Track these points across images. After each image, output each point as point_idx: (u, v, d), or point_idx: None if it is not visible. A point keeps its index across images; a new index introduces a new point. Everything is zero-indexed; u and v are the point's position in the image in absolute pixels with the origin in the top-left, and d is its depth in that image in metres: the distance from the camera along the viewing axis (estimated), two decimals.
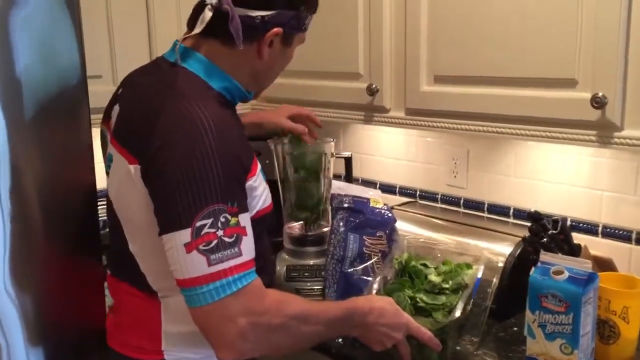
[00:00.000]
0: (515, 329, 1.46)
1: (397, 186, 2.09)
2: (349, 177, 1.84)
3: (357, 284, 1.53)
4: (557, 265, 1.22)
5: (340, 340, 1.40)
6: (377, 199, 1.61)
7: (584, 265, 1.21)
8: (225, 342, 1.04)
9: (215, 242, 1.00)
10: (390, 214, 1.60)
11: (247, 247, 1.04)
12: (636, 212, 1.54)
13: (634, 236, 1.55)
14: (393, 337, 1.21)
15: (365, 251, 1.55)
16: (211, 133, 1.02)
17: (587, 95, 1.25)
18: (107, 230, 1.29)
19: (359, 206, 1.58)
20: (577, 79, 1.28)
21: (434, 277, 1.36)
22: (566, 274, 1.20)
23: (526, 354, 1.26)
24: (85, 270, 1.34)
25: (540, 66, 1.33)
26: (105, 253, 1.34)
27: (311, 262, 1.62)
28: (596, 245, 1.59)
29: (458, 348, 1.36)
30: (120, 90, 1.24)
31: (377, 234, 1.56)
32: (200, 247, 1.00)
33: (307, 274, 1.60)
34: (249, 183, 1.10)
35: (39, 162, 1.22)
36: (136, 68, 1.26)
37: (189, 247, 1.00)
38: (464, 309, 1.30)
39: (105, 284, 1.36)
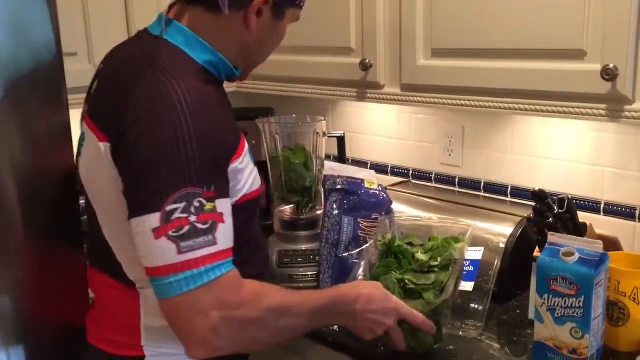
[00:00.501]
0: (518, 311, 1.43)
1: (389, 166, 2.02)
2: (341, 158, 1.77)
3: (352, 267, 1.48)
4: (566, 247, 1.17)
5: (336, 327, 1.34)
6: (372, 180, 1.54)
7: (595, 246, 1.16)
8: (195, 337, 0.97)
9: (187, 228, 0.92)
10: (385, 195, 1.53)
11: (224, 236, 0.97)
12: None
13: (637, 213, 1.51)
14: (383, 323, 1.14)
15: (361, 234, 1.49)
16: (188, 109, 0.94)
17: (597, 67, 1.19)
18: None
19: (353, 187, 1.52)
20: (586, 50, 1.21)
21: (421, 256, 1.28)
22: (577, 256, 1.15)
23: (534, 339, 1.21)
24: (66, 260, 1.27)
25: (546, 37, 1.27)
26: (85, 241, 1.27)
27: (304, 247, 1.56)
28: (599, 224, 1.53)
29: (461, 334, 1.31)
30: (101, 66, 1.16)
31: (373, 216, 1.50)
32: (170, 233, 0.92)
33: (300, 259, 1.54)
34: (233, 165, 1.03)
35: (13, 145, 1.15)
36: (119, 43, 1.17)
37: (157, 232, 0.92)
38: (455, 286, 1.24)
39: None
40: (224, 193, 0.99)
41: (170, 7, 1.09)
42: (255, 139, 1.65)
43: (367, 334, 1.16)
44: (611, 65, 1.17)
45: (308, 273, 1.53)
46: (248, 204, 1.10)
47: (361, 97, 1.65)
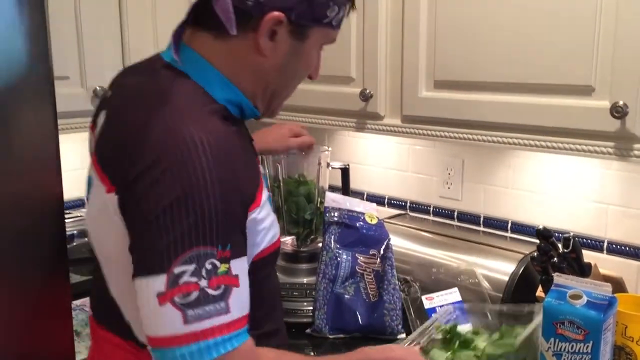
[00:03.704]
0: None
1: (387, 197, 1.99)
2: (345, 190, 1.71)
3: (348, 304, 1.44)
4: (574, 289, 1.13)
5: None
6: (372, 214, 1.50)
7: (603, 289, 1.12)
8: None
9: (195, 294, 0.82)
10: (384, 231, 1.49)
11: (238, 302, 0.86)
12: None
13: None
14: None
15: (358, 270, 1.45)
16: (205, 158, 0.83)
17: (606, 104, 1.16)
18: (74, 244, 1.15)
19: (353, 221, 1.48)
20: (594, 86, 1.19)
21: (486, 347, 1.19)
22: (585, 299, 1.11)
23: None
24: (50, 292, 1.21)
25: (552, 72, 1.24)
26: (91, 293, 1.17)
27: (305, 280, 1.52)
28: (601, 262, 1.50)
29: None
30: (109, 93, 1.05)
31: (370, 252, 1.46)
32: (176, 299, 0.81)
33: (296, 293, 1.49)
34: (252, 216, 0.92)
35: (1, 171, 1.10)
36: (129, 65, 1.09)
37: (162, 298, 0.81)
38: None
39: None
40: (241, 252, 0.89)
41: (182, 26, 0.97)
42: None
43: None
44: (621, 103, 1.14)
45: (304, 308, 1.48)
46: (269, 257, 1.01)
47: (361, 128, 1.61)
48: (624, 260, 1.51)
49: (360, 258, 1.45)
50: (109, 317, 1.01)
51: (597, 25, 1.17)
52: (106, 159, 0.94)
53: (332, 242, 1.45)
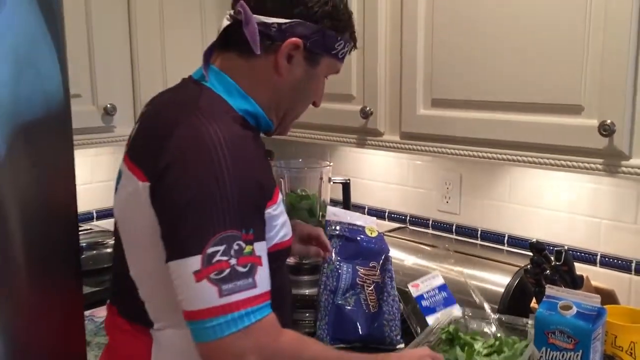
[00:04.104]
0: None
1: (387, 211, 2.03)
2: (346, 204, 1.77)
3: (349, 315, 1.48)
4: (564, 300, 1.18)
5: None
6: (373, 228, 1.55)
7: (592, 300, 1.17)
8: None
9: (227, 270, 0.93)
10: (384, 244, 1.54)
11: (262, 279, 0.97)
12: (636, 241, 1.51)
13: (633, 266, 1.52)
14: None
15: (359, 282, 1.50)
16: (228, 151, 0.95)
17: (594, 122, 1.21)
18: (83, 256, 1.21)
19: (353, 234, 1.52)
20: (583, 105, 1.24)
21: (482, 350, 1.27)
22: (574, 310, 1.16)
23: None
24: (64, 297, 1.25)
25: (544, 91, 1.29)
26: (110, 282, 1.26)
27: (307, 291, 1.56)
28: (595, 275, 1.54)
29: None
30: (145, 109, 1.18)
31: (370, 264, 1.51)
32: (212, 275, 0.92)
33: (298, 304, 1.53)
34: (268, 211, 1.03)
35: (21, 182, 1.15)
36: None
37: (198, 275, 0.92)
38: None
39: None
40: (262, 236, 1.00)
41: (211, 48, 1.10)
42: None
43: None
44: (608, 121, 1.19)
45: (306, 319, 1.52)
46: (279, 253, 1.09)
47: (361, 144, 1.67)
48: (616, 273, 1.54)
49: (361, 270, 1.50)
50: (125, 296, 1.12)
51: (585, 48, 1.22)
52: (138, 153, 1.06)
53: (334, 254, 1.50)
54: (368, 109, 1.60)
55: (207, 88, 1.08)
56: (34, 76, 1.15)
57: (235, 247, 0.93)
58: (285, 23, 1.05)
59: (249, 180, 0.97)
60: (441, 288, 1.51)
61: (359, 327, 1.47)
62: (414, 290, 1.47)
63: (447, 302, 1.48)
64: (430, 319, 1.44)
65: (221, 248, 0.92)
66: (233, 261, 0.93)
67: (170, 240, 0.97)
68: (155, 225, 0.99)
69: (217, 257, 0.92)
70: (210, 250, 0.92)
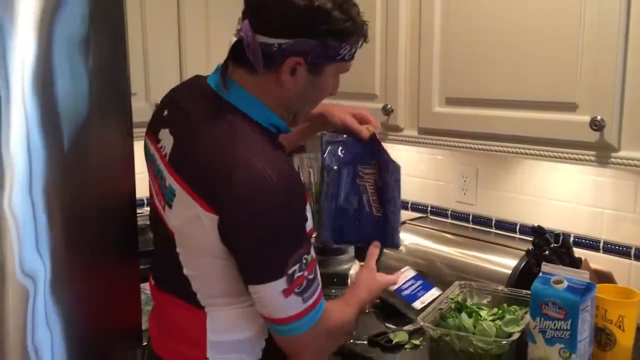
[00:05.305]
0: None
1: (410, 202, 2.17)
2: None
3: (352, 216, 1.47)
4: (557, 275, 1.31)
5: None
6: (369, 127, 1.45)
7: (582, 276, 1.29)
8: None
9: (305, 282, 1.11)
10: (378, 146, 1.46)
11: (319, 272, 1.17)
12: (635, 228, 1.63)
13: (633, 252, 1.64)
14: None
15: (359, 182, 1.46)
16: (282, 189, 1.06)
17: (587, 119, 1.35)
18: (145, 237, 1.39)
19: (349, 140, 1.44)
20: (578, 103, 1.37)
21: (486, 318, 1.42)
22: (565, 284, 1.28)
23: (528, 358, 1.34)
24: (123, 274, 1.43)
25: (544, 91, 1.43)
26: (150, 262, 1.36)
27: (337, 269, 1.72)
28: (597, 260, 1.66)
29: None
30: (166, 113, 1.24)
31: (372, 163, 1.45)
32: (296, 290, 1.10)
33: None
34: None
35: (88, 170, 1.32)
36: (175, 86, 1.31)
37: (286, 292, 1.10)
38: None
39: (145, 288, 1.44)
40: (310, 241, 1.15)
41: (226, 62, 1.17)
42: None
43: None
44: (599, 117, 1.32)
45: (331, 295, 1.60)
46: None
47: (383, 138, 1.82)
48: (617, 259, 1.66)
49: (361, 169, 1.46)
50: (177, 288, 1.22)
51: (579, 53, 1.35)
52: (192, 179, 1.12)
53: (332, 162, 1.43)
54: (389, 106, 1.76)
55: (230, 104, 1.14)
56: (103, 77, 1.32)
57: (304, 260, 1.11)
58: (286, 43, 1.08)
59: (300, 205, 1.11)
60: (415, 278, 1.67)
61: (362, 228, 1.47)
62: (392, 285, 1.58)
63: (426, 287, 1.66)
64: (417, 304, 1.62)
65: (297, 267, 1.09)
66: (306, 273, 1.11)
67: (253, 268, 1.12)
68: (217, 245, 1.10)
69: (297, 275, 1.10)
70: (290, 271, 1.09)
